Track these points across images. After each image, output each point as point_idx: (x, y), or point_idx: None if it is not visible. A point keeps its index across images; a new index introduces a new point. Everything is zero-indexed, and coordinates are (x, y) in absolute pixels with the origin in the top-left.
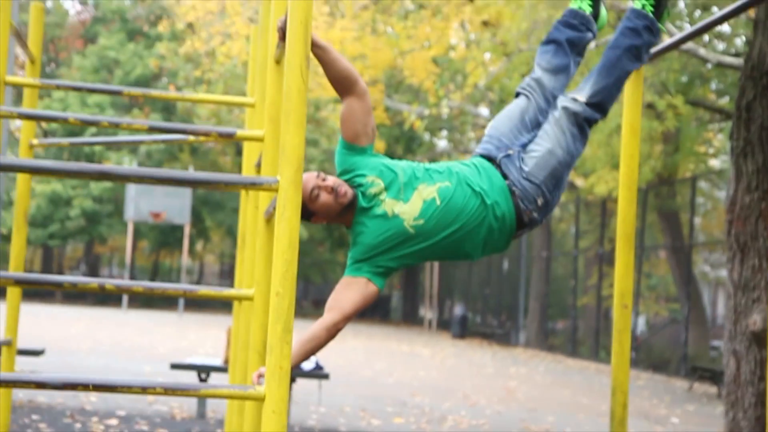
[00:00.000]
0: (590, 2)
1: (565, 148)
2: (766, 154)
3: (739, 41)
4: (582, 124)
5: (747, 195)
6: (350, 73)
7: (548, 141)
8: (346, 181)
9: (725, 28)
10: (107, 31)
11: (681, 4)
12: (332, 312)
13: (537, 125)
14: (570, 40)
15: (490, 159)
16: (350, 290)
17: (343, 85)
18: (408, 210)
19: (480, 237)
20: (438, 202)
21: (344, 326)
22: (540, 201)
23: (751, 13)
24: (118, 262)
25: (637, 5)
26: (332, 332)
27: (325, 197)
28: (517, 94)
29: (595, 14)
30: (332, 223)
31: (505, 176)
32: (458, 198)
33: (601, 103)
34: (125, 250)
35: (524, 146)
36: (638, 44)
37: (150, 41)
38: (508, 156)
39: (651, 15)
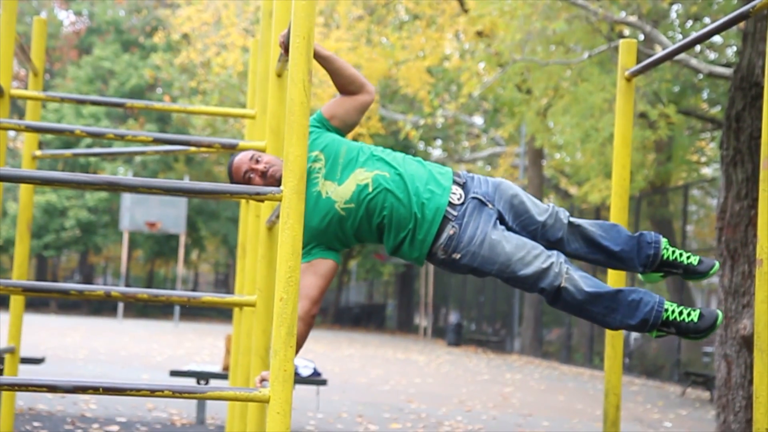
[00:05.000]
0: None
1: (513, 270)
2: (755, 163)
3: (730, 51)
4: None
5: (737, 203)
6: (356, 78)
7: (518, 250)
8: None
9: (717, 38)
10: (102, 41)
11: (673, 15)
12: (301, 302)
13: (522, 227)
14: (619, 254)
15: (463, 185)
16: (308, 275)
17: (349, 90)
18: (341, 192)
19: (399, 237)
20: (370, 188)
21: (317, 311)
22: (456, 256)
23: (742, 25)
24: (113, 271)
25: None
26: (308, 321)
27: (257, 180)
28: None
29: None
30: None
31: (457, 205)
32: (389, 192)
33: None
34: (120, 259)
35: (501, 220)
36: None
37: (145, 52)
38: (482, 203)
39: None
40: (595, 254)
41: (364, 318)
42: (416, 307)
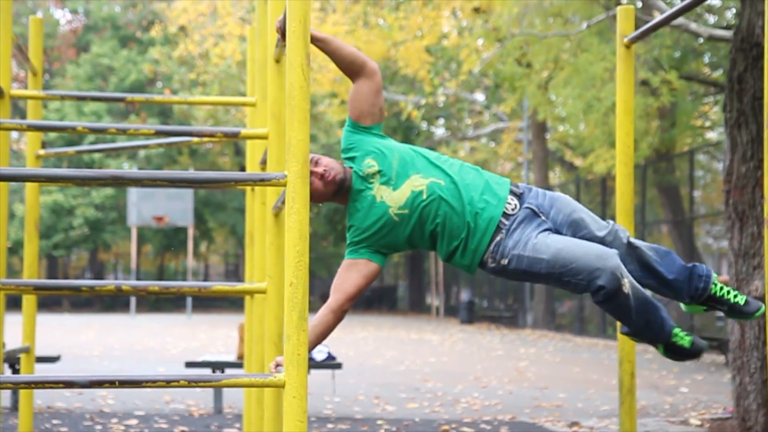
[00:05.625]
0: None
1: (561, 271)
2: (759, 124)
3: (730, 13)
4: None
5: (743, 165)
6: (356, 57)
7: (565, 246)
8: (346, 159)
9: (715, 0)
10: (99, 38)
11: None
12: (336, 294)
13: (576, 230)
14: (672, 283)
15: (519, 196)
16: (351, 272)
17: (352, 69)
18: (395, 198)
19: (451, 245)
20: (424, 195)
21: (349, 307)
22: (504, 262)
23: None
24: (123, 267)
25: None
26: (338, 314)
27: (316, 183)
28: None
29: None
30: (329, 202)
31: (510, 215)
32: (443, 200)
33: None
34: (130, 255)
35: (555, 230)
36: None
37: (143, 46)
38: (534, 214)
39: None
40: (648, 279)
41: (375, 300)
42: (427, 287)
